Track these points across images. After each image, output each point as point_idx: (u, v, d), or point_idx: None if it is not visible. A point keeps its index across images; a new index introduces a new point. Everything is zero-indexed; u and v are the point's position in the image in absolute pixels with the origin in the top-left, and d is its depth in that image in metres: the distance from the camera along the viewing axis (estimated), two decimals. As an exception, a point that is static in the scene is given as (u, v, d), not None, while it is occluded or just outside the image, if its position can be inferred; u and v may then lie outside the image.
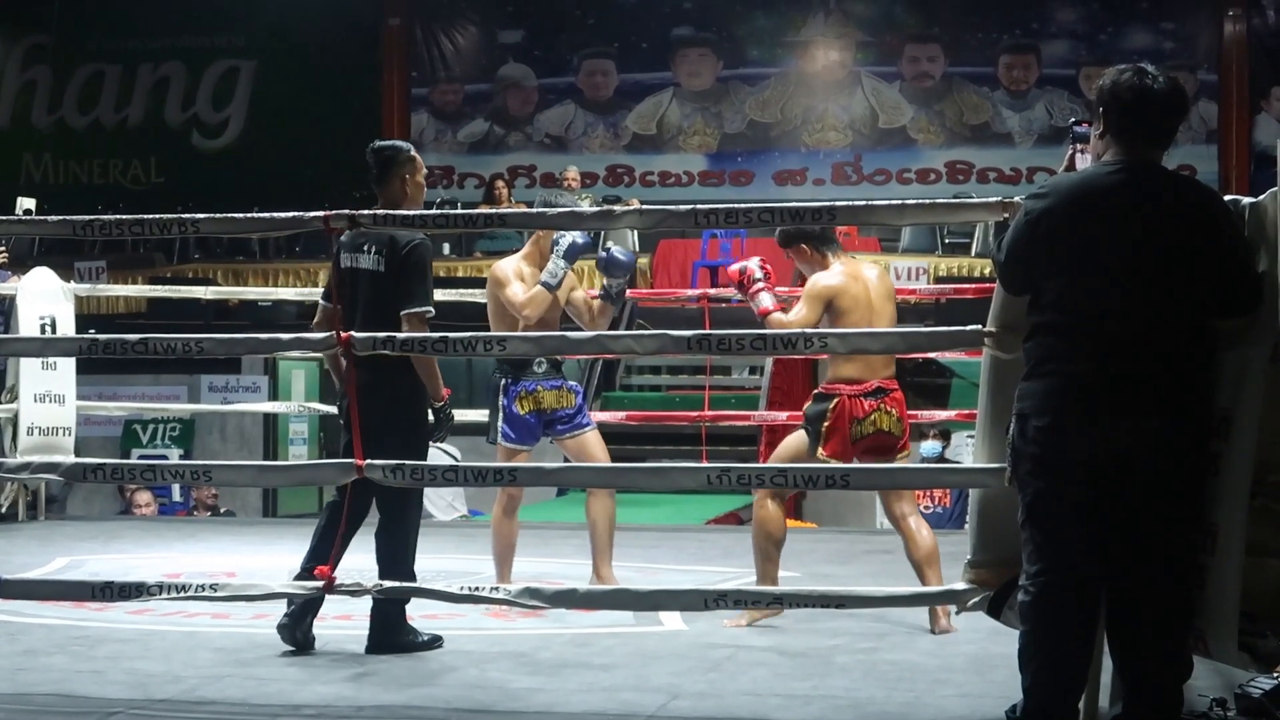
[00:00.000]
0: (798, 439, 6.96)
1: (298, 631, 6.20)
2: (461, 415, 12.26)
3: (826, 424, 6.78)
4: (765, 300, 6.87)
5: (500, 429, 7.46)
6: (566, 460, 7.68)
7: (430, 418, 6.34)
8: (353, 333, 5.75)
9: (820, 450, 6.79)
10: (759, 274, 6.91)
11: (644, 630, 6.68)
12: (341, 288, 6.27)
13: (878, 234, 17.77)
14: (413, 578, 6.21)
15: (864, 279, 6.85)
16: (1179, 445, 4.28)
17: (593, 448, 7.54)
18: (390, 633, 6.22)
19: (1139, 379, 4.26)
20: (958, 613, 5.17)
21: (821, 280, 6.81)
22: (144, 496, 13.33)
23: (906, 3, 21.39)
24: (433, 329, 6.17)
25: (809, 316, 6.74)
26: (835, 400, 6.78)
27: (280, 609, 6.34)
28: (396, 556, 6.22)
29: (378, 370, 6.02)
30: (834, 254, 6.87)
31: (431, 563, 8.45)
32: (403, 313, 6.17)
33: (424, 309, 6.21)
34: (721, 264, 16.51)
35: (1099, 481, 4.29)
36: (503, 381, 7.45)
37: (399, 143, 6.51)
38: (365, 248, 6.27)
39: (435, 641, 6.28)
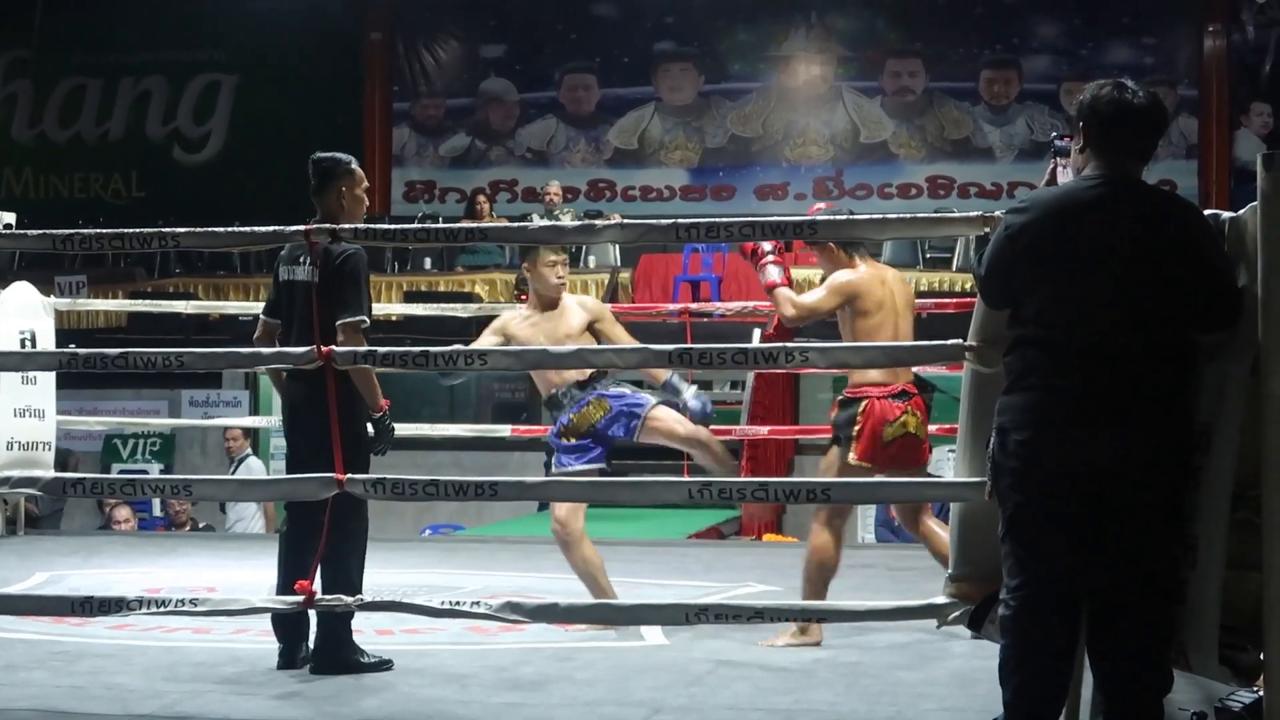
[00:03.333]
0: (831, 453, 6.98)
1: (296, 664, 6.17)
2: (443, 430, 12.29)
3: (857, 428, 6.80)
4: (773, 273, 6.77)
5: (560, 461, 7.38)
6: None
7: (370, 430, 6.27)
8: (333, 347, 5.73)
9: (851, 455, 6.79)
10: (768, 245, 6.79)
11: (626, 645, 6.68)
12: (279, 300, 6.30)
13: (859, 248, 17.78)
14: (359, 592, 6.07)
15: (890, 284, 6.88)
16: (1160, 459, 4.29)
17: (666, 421, 7.35)
18: (336, 650, 6.09)
19: (1120, 392, 4.27)
20: (938, 627, 5.17)
21: (846, 275, 6.82)
22: (123, 512, 13.29)
23: (888, 18, 21.42)
24: (414, 344, 6.18)
25: (824, 303, 6.77)
26: (864, 403, 6.79)
27: (260, 624, 6.34)
28: (340, 572, 6.08)
29: (317, 384, 5.98)
30: (860, 257, 6.87)
31: (413, 577, 8.45)
32: (338, 323, 6.09)
33: (359, 318, 6.13)
34: (703, 279, 16.52)
35: (1080, 495, 4.30)
36: (552, 425, 7.41)
37: (339, 155, 6.43)
38: (300, 259, 6.21)
39: (384, 664, 6.14)
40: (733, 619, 6.10)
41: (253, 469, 14.07)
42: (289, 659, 6.16)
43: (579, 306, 7.45)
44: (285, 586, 6.10)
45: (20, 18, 22.02)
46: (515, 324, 7.34)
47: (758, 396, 14.88)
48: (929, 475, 6.99)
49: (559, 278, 7.34)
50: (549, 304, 7.37)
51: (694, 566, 9.40)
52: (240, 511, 13.64)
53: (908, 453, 6.86)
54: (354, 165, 6.38)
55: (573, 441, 7.28)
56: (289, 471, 6.23)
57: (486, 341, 7.29)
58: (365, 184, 6.43)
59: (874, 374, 6.79)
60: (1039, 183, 4.94)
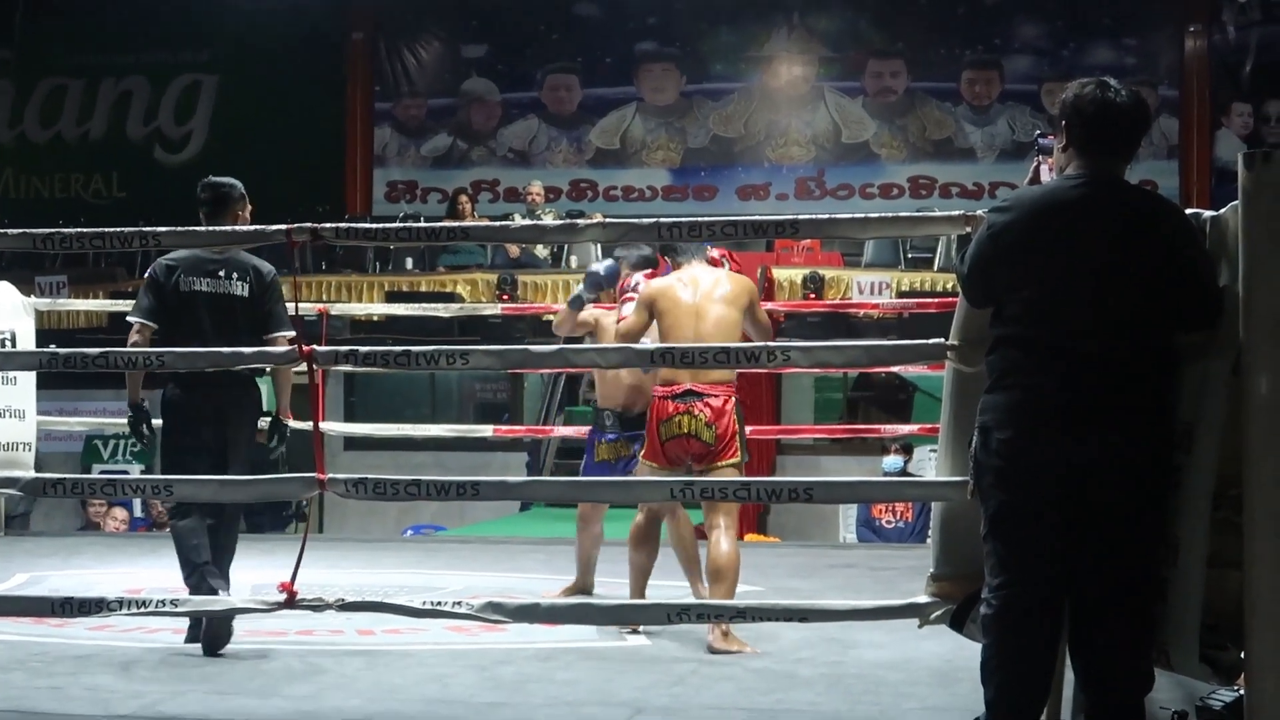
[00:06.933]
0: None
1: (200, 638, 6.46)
2: (425, 430, 12.28)
3: (648, 425, 6.96)
4: (626, 309, 7.26)
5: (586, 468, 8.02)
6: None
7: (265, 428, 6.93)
8: (315, 347, 5.72)
9: (641, 453, 7.01)
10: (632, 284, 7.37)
11: (607, 645, 6.68)
12: (172, 308, 6.68)
13: (841, 248, 17.79)
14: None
15: (694, 282, 6.94)
16: (1141, 458, 4.29)
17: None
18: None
19: (1101, 392, 4.27)
20: (920, 626, 5.16)
21: (647, 285, 7.11)
22: (119, 513, 13.31)
23: (869, 18, 21.43)
24: (396, 344, 6.24)
25: (633, 321, 7.03)
26: (650, 402, 6.96)
27: (241, 625, 6.36)
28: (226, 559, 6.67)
29: (245, 388, 6.66)
30: (686, 262, 7.02)
31: (394, 577, 8.44)
32: (280, 334, 6.67)
33: (291, 332, 6.68)
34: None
35: (1062, 494, 4.30)
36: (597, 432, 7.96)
37: (232, 180, 6.91)
38: (218, 273, 6.68)
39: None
40: (715, 618, 6.12)
41: None
42: (197, 633, 6.46)
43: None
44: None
45: (0, 18, 21.95)
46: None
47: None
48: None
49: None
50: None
51: (676, 567, 9.36)
52: None
53: (691, 454, 6.83)
54: (243, 191, 6.90)
55: (598, 461, 7.87)
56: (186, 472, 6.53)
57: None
58: (250, 209, 6.93)
59: (664, 372, 6.86)
60: (1021, 183, 4.94)
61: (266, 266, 6.77)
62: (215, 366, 6.27)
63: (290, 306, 6.93)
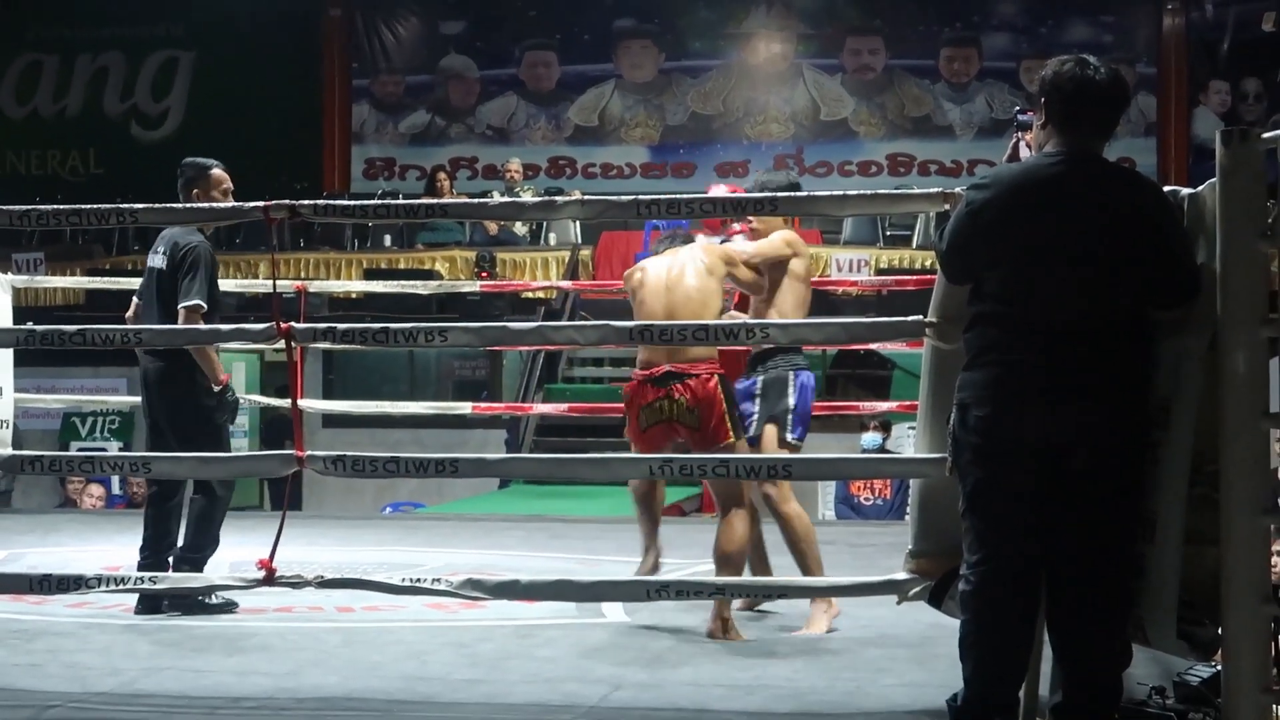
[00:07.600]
0: None
1: (159, 608, 6.70)
2: (404, 407, 12.25)
3: (626, 406, 6.79)
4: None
5: (792, 424, 6.89)
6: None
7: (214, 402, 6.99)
8: (293, 324, 5.71)
9: (627, 432, 6.85)
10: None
11: (586, 622, 6.67)
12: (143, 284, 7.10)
13: (819, 225, 17.79)
14: (216, 543, 6.91)
15: (666, 256, 6.83)
16: (1118, 434, 4.30)
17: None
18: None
19: (1079, 369, 4.28)
20: (899, 602, 5.18)
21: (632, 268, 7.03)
22: (97, 490, 13.27)
23: (848, -5, 21.46)
24: (374, 320, 6.21)
25: None
26: (628, 384, 6.76)
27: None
28: (204, 527, 6.89)
29: (172, 360, 6.75)
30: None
31: (373, 555, 8.44)
32: (179, 306, 6.77)
33: (196, 303, 6.77)
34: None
35: (1039, 470, 4.31)
36: (791, 373, 6.94)
37: (200, 160, 7.07)
38: (156, 248, 6.96)
39: (230, 605, 6.73)
40: (693, 595, 6.12)
41: None
42: (151, 603, 6.67)
43: None
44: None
45: (-27, -5, 21.89)
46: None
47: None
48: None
49: None
50: None
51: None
52: None
53: (681, 439, 6.62)
54: (216, 170, 7.01)
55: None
56: (149, 447, 6.89)
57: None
58: (225, 185, 7.01)
59: (641, 354, 6.67)
60: (999, 160, 4.94)
61: (185, 238, 6.87)
62: (191, 344, 6.34)
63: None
